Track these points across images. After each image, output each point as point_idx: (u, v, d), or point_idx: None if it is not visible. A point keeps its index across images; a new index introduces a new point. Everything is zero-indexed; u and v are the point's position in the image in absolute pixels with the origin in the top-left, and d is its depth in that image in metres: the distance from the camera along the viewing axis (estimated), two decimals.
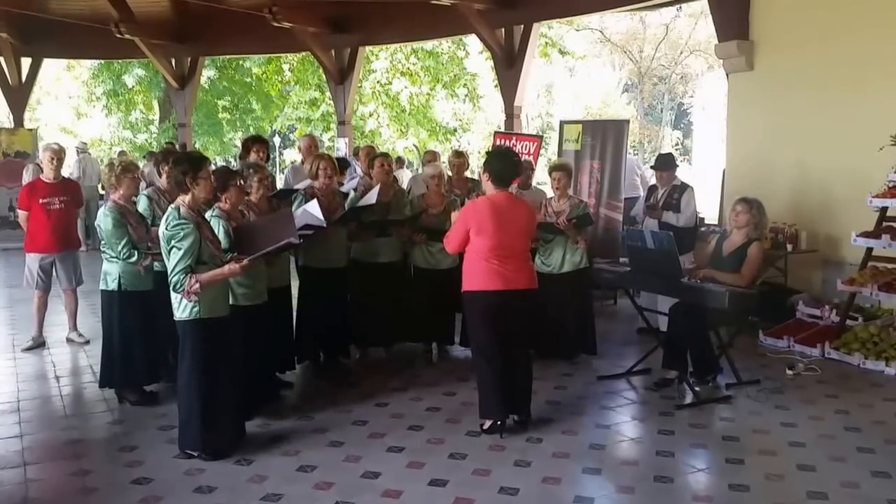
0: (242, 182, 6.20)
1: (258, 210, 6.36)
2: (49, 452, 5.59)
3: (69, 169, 14.77)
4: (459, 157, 8.79)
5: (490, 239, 5.69)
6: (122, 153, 19.61)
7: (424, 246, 7.66)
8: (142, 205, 6.71)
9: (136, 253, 6.25)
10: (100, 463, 5.34)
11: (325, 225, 6.55)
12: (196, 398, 5.23)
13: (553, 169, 7.88)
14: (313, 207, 6.57)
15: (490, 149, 6.32)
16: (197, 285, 5.08)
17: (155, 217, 6.54)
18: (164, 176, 6.85)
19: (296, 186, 7.56)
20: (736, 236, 7.03)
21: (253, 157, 7.53)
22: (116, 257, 6.31)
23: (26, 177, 10.25)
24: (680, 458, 5.44)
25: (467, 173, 8.92)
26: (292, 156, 36.97)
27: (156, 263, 6.36)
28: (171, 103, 23.19)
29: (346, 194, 7.58)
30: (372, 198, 7.11)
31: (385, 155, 7.94)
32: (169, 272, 5.09)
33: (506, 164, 5.97)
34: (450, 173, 8.56)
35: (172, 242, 5.05)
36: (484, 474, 5.12)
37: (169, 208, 5.27)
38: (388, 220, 7.47)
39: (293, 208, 6.97)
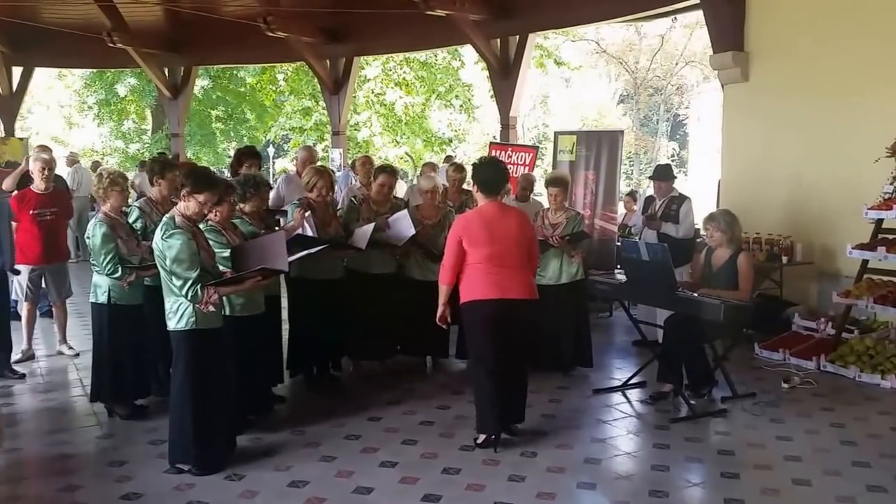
0: (252, 192, 6.36)
1: (251, 221, 6.37)
2: (37, 468, 5.52)
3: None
4: (459, 172, 8.71)
5: (483, 248, 5.68)
6: (95, 163, 19.58)
7: (419, 257, 7.61)
8: (132, 217, 6.64)
9: (120, 268, 6.13)
10: (89, 478, 5.26)
11: (314, 235, 6.54)
12: (188, 411, 5.17)
13: (549, 183, 7.83)
14: (307, 228, 6.59)
15: (475, 161, 6.38)
16: (216, 296, 5.08)
17: (147, 229, 6.48)
18: (158, 186, 6.80)
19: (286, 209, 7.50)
20: (720, 252, 7.03)
21: (244, 170, 7.47)
22: (101, 271, 6.24)
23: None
24: (675, 473, 5.39)
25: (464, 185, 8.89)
26: (283, 164, 36.94)
27: (146, 279, 6.30)
28: (164, 113, 23.21)
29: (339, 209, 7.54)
30: (363, 241, 7.03)
31: (390, 173, 7.72)
32: (180, 287, 5.02)
33: (491, 171, 5.98)
34: (446, 184, 8.52)
35: (177, 255, 5.00)
36: (478, 489, 5.06)
37: (164, 218, 5.24)
38: (386, 243, 7.36)
39: (288, 219, 6.97)
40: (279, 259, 5.57)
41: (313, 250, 6.44)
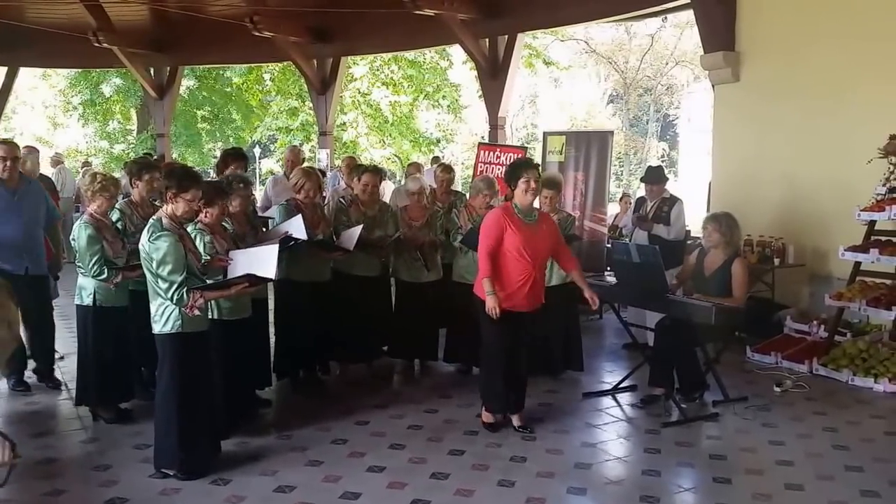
0: (229, 192, 6.26)
1: (235, 222, 6.31)
2: (21, 472, 5.37)
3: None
4: (447, 173, 8.66)
5: None
6: (85, 163, 19.42)
7: (408, 258, 7.54)
8: (113, 217, 6.48)
9: (106, 270, 6.04)
10: (73, 483, 5.19)
11: (306, 238, 6.47)
12: (174, 415, 5.12)
13: (543, 185, 7.72)
14: (297, 223, 6.50)
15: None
16: (201, 300, 5.01)
17: (126, 231, 6.40)
18: (136, 188, 6.70)
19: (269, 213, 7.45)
20: (714, 255, 6.92)
21: (230, 171, 7.39)
22: (87, 273, 6.14)
23: None
24: (666, 478, 5.35)
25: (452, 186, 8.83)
26: (270, 165, 36.88)
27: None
28: (150, 113, 23.06)
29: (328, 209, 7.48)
30: (351, 242, 6.98)
31: (375, 172, 7.62)
32: (165, 290, 4.96)
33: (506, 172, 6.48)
34: (433, 185, 8.44)
35: (164, 257, 4.94)
36: (467, 494, 5.00)
37: (151, 220, 5.18)
38: (370, 240, 7.28)
39: (276, 221, 6.88)
40: (268, 268, 5.50)
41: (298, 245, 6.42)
